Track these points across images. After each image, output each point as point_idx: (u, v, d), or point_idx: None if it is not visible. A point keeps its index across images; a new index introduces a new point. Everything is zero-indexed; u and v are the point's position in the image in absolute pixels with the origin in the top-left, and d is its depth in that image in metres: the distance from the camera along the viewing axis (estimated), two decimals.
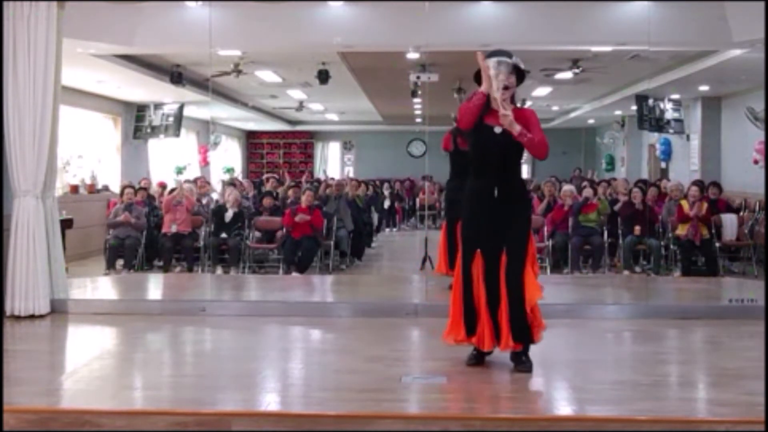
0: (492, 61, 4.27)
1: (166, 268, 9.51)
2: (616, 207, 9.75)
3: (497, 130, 4.27)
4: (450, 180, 7.23)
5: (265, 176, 12.75)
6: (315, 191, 10.13)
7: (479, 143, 4.35)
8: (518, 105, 4.36)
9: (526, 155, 4.48)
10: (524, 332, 4.31)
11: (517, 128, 4.19)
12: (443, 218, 7.39)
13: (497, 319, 4.30)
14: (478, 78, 4.42)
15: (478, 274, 4.32)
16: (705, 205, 9.31)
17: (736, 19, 7.74)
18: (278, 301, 6.72)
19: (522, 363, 4.34)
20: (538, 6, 8.05)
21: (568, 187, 10.00)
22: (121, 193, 9.90)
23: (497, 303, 4.30)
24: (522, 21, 8.27)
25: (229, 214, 9.66)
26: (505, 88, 4.27)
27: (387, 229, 14.33)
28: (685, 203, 9.33)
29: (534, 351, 4.87)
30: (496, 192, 4.28)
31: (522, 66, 4.35)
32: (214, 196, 11.68)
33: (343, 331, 5.69)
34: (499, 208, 4.30)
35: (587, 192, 9.67)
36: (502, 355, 4.51)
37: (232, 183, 12.47)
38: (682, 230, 9.24)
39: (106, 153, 12.70)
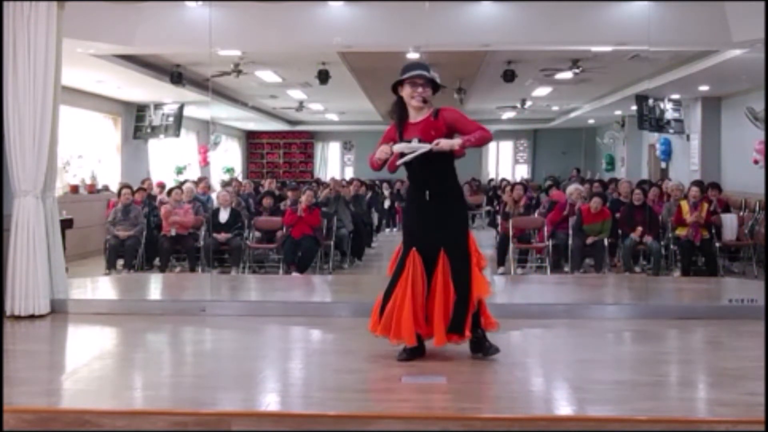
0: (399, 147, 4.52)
1: (163, 269, 9.50)
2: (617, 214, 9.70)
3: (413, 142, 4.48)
4: None
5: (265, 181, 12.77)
6: (315, 191, 10.12)
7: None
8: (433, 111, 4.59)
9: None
10: (460, 324, 4.46)
11: (456, 143, 4.46)
12: None
13: (428, 315, 4.48)
14: (394, 88, 4.64)
15: (413, 271, 4.47)
16: (705, 207, 9.31)
17: (736, 19, 7.74)
18: (278, 301, 6.71)
19: (488, 349, 4.54)
20: (538, 6, 8.05)
21: (574, 187, 9.99)
22: (119, 194, 9.89)
23: (428, 299, 4.48)
24: (522, 21, 8.27)
25: (223, 215, 9.65)
26: (423, 101, 4.53)
27: (387, 229, 14.34)
28: (684, 204, 9.32)
29: (534, 351, 4.89)
30: (427, 195, 4.53)
31: (438, 80, 4.60)
32: (214, 196, 11.68)
33: (343, 331, 5.68)
34: (432, 210, 4.53)
35: (596, 201, 9.41)
36: (500, 355, 4.52)
37: (228, 184, 12.48)
38: (682, 231, 9.24)
39: (106, 153, 12.70)
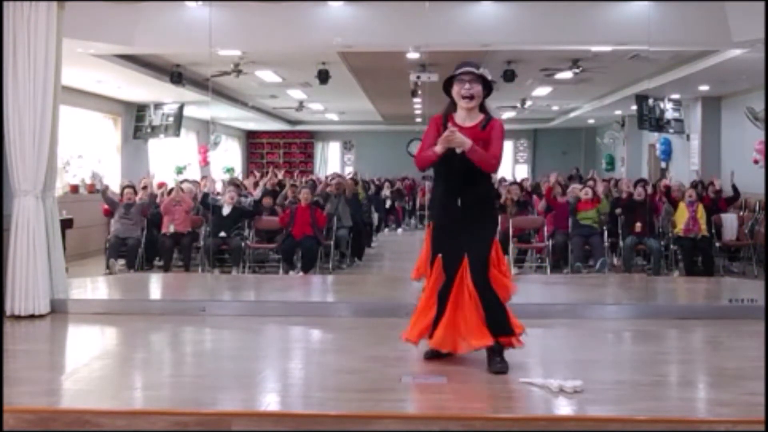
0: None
1: (166, 268, 9.51)
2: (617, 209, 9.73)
3: (459, 150, 4.32)
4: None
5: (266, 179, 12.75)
6: (312, 189, 10.11)
7: (442, 162, 4.40)
8: (489, 115, 4.50)
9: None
10: (502, 325, 4.37)
11: (467, 144, 4.25)
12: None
13: (440, 318, 4.42)
14: (446, 88, 4.54)
15: (437, 277, 4.44)
16: (700, 207, 9.34)
17: (736, 19, 7.74)
18: (278, 301, 6.72)
19: (497, 364, 4.36)
20: (538, 6, 8.05)
21: (576, 186, 10.03)
22: (121, 193, 9.90)
23: (446, 303, 4.40)
24: (522, 21, 8.27)
25: (225, 210, 9.64)
26: (470, 97, 4.39)
27: (387, 229, 14.34)
28: (682, 205, 9.37)
29: (534, 351, 4.88)
30: (459, 202, 4.42)
31: (487, 77, 4.47)
32: (218, 186, 11.66)
33: (343, 331, 5.68)
34: (462, 216, 4.42)
35: (585, 191, 9.64)
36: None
37: (232, 182, 12.47)
38: (680, 225, 9.25)
39: (106, 153, 12.69)
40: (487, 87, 4.48)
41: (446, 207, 4.49)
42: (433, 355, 4.56)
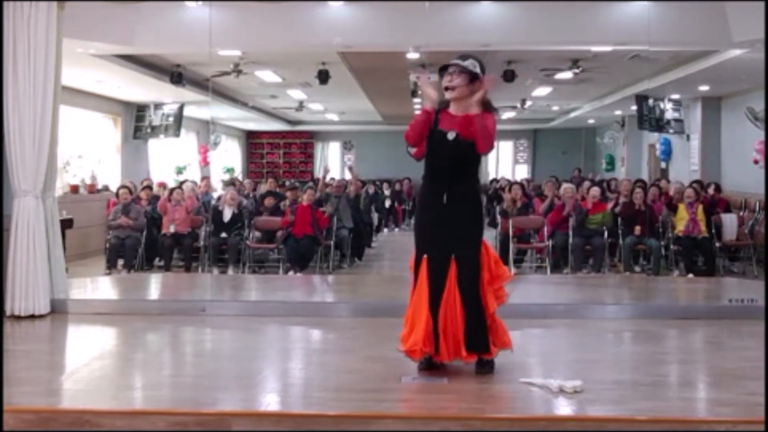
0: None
1: (167, 267, 9.51)
2: (617, 209, 9.73)
3: (450, 136, 4.27)
4: None
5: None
6: (314, 190, 10.12)
7: (432, 149, 4.33)
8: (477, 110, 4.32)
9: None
10: (480, 342, 4.26)
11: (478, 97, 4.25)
12: None
13: (437, 328, 4.22)
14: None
15: (423, 279, 4.28)
16: (700, 207, 9.34)
17: (736, 19, 7.74)
18: (278, 301, 6.72)
19: (482, 365, 4.31)
20: (538, 6, 8.05)
21: (567, 186, 10.02)
22: (117, 194, 9.90)
23: (437, 310, 4.23)
24: (522, 21, 8.27)
25: (227, 214, 9.65)
26: (450, 88, 4.31)
27: (387, 229, 14.33)
28: (681, 206, 9.38)
29: (534, 351, 4.89)
30: (445, 198, 4.26)
31: (472, 69, 4.33)
32: (215, 195, 11.68)
33: (343, 331, 5.68)
34: (448, 213, 4.26)
35: (594, 192, 9.62)
36: (500, 355, 4.48)
37: (231, 183, 12.48)
38: (680, 226, 9.25)
39: (106, 153, 12.70)
40: (473, 76, 4.31)
41: (431, 204, 4.31)
42: (428, 366, 4.32)
